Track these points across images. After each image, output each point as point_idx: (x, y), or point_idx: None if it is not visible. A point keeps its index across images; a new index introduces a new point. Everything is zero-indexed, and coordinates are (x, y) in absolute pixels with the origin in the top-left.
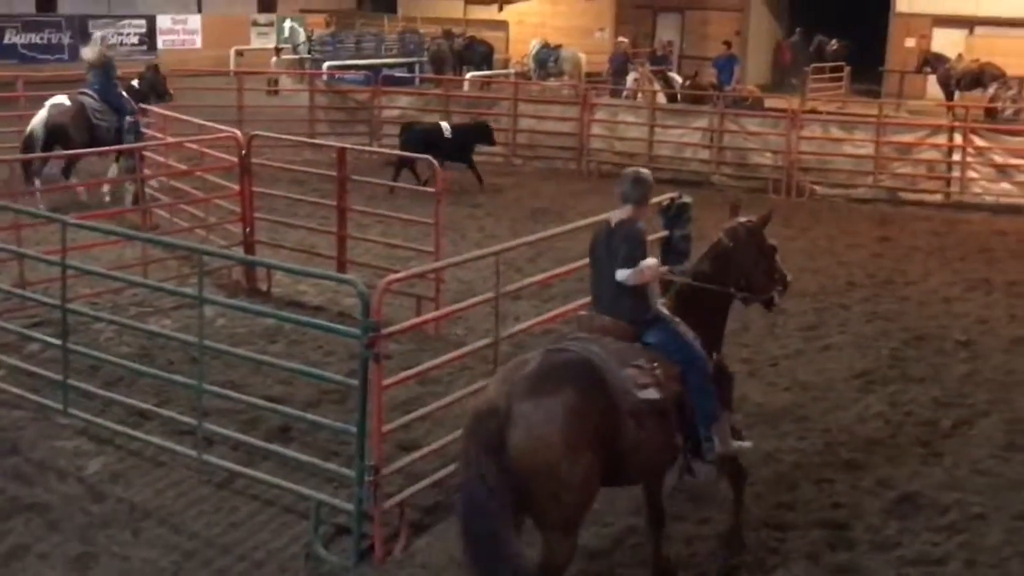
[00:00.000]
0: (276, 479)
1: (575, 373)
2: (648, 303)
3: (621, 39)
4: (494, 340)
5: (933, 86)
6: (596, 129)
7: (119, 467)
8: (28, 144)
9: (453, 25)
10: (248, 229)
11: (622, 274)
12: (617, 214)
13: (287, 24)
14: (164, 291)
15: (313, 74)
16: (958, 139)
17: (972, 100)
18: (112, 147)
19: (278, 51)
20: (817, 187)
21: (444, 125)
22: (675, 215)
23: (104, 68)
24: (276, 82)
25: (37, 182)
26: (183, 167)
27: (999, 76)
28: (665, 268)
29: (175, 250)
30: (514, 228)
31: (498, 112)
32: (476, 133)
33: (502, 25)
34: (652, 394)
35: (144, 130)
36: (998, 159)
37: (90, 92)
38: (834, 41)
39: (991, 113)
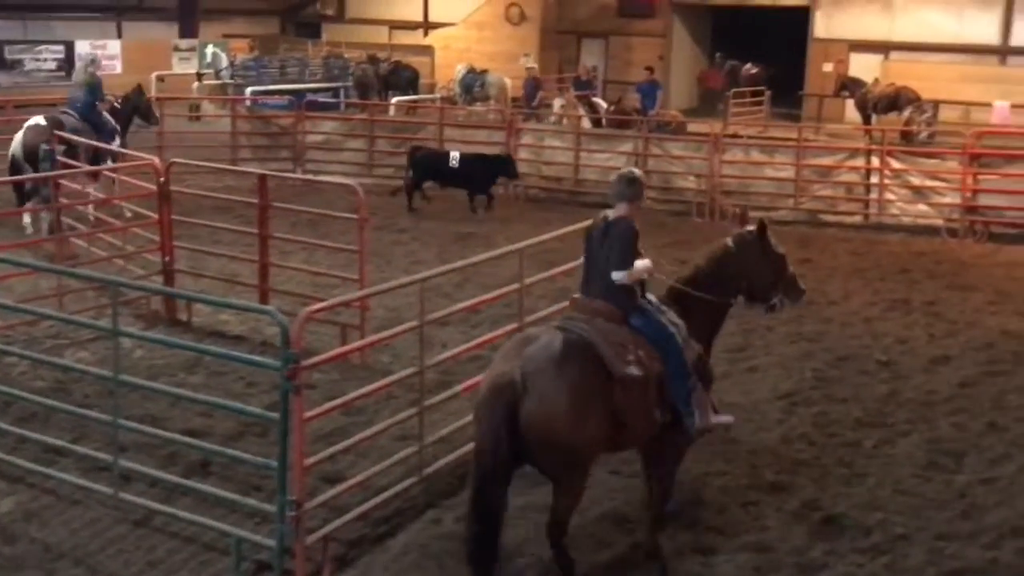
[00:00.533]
0: (196, 516)
1: (577, 350)
2: (635, 293)
3: (530, 65)
4: (419, 369)
5: (851, 110)
6: (522, 154)
7: (32, 506)
8: (14, 169)
9: (378, 50)
10: (167, 258)
11: (618, 275)
12: (613, 212)
13: (209, 49)
14: (77, 324)
15: (236, 100)
16: (875, 162)
17: (888, 123)
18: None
19: (200, 76)
20: (739, 210)
21: (453, 153)
22: None
23: (88, 89)
24: (198, 108)
25: (29, 205)
26: (101, 195)
27: (914, 99)
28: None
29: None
30: (441, 254)
31: (424, 137)
32: (495, 165)
33: (427, 50)
34: (634, 370)
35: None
36: (914, 181)
37: (71, 112)
38: (749, 65)
39: (907, 136)
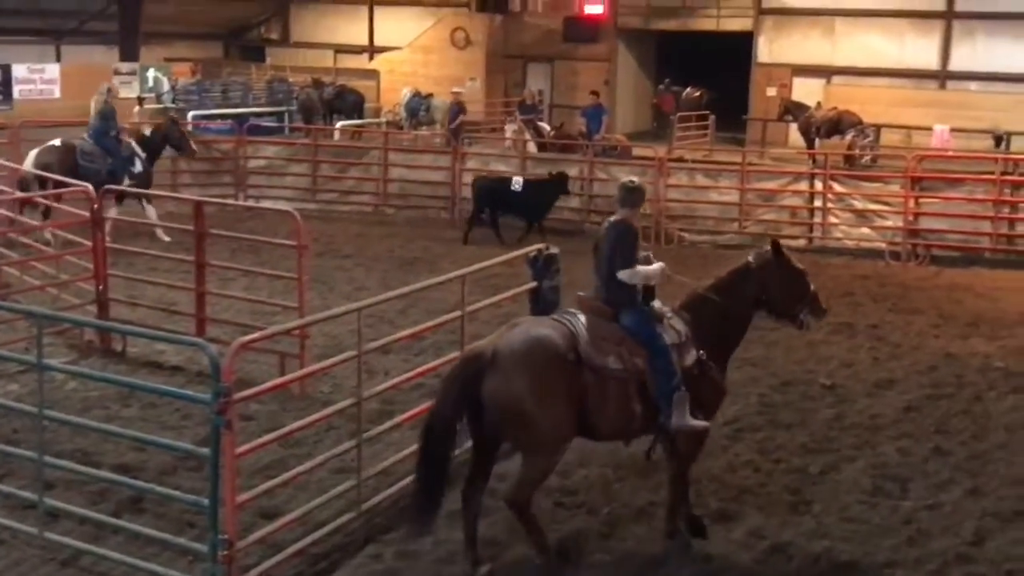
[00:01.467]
0: (125, 556)
1: (553, 336)
2: (632, 292)
3: (456, 89)
4: (358, 399)
5: (795, 134)
6: (468, 178)
7: None
8: (24, 187)
9: (323, 74)
10: (101, 287)
11: (623, 274)
12: (615, 217)
13: (150, 73)
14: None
15: None
16: (819, 186)
17: (831, 147)
18: None
19: (141, 101)
20: (685, 234)
21: (516, 179)
22: (543, 266)
23: (102, 115)
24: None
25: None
26: (34, 223)
27: (856, 123)
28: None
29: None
30: (385, 280)
31: (368, 162)
32: (554, 188)
33: (373, 74)
34: (613, 363)
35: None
36: (857, 204)
37: (87, 136)
38: (689, 88)
39: (850, 160)
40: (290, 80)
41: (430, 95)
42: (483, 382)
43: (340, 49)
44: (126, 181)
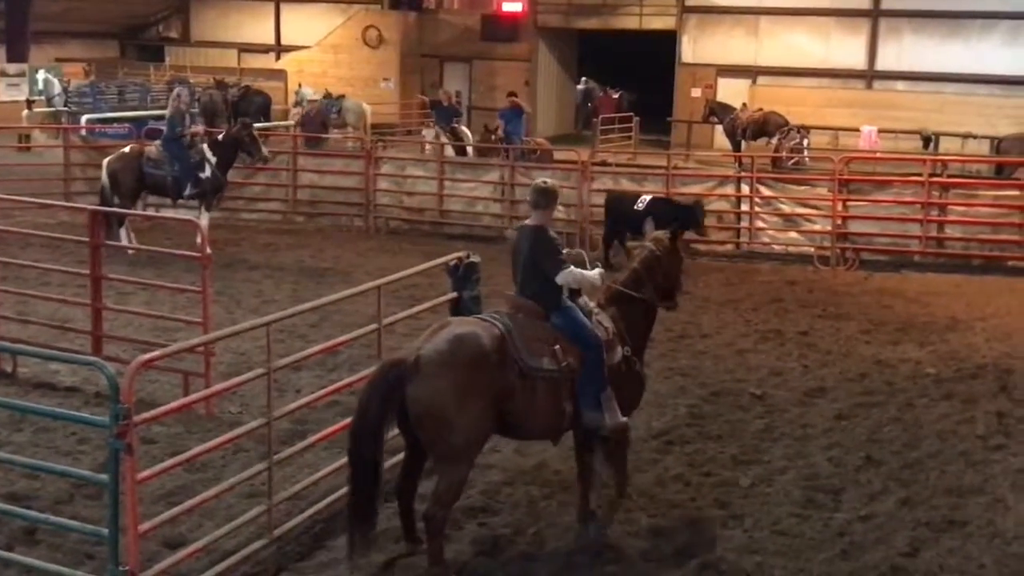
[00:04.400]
0: None
1: (480, 337)
2: (559, 293)
3: (314, 99)
4: (268, 419)
5: (720, 136)
6: (383, 184)
7: None
8: (102, 194)
9: (227, 74)
10: None
11: (561, 277)
12: (530, 220)
13: (40, 75)
14: None
15: (69, 128)
16: (745, 189)
17: (758, 149)
18: None
19: (30, 104)
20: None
21: (643, 197)
22: (463, 275)
23: (170, 120)
24: (28, 137)
25: (121, 231)
26: None
27: (783, 125)
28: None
29: None
30: (295, 292)
31: (276, 167)
32: (681, 213)
33: (280, 74)
34: (546, 364)
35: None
36: (785, 208)
37: (158, 142)
38: (608, 89)
39: (777, 162)
40: (191, 81)
41: (342, 96)
42: (406, 386)
43: (245, 48)
44: (189, 189)
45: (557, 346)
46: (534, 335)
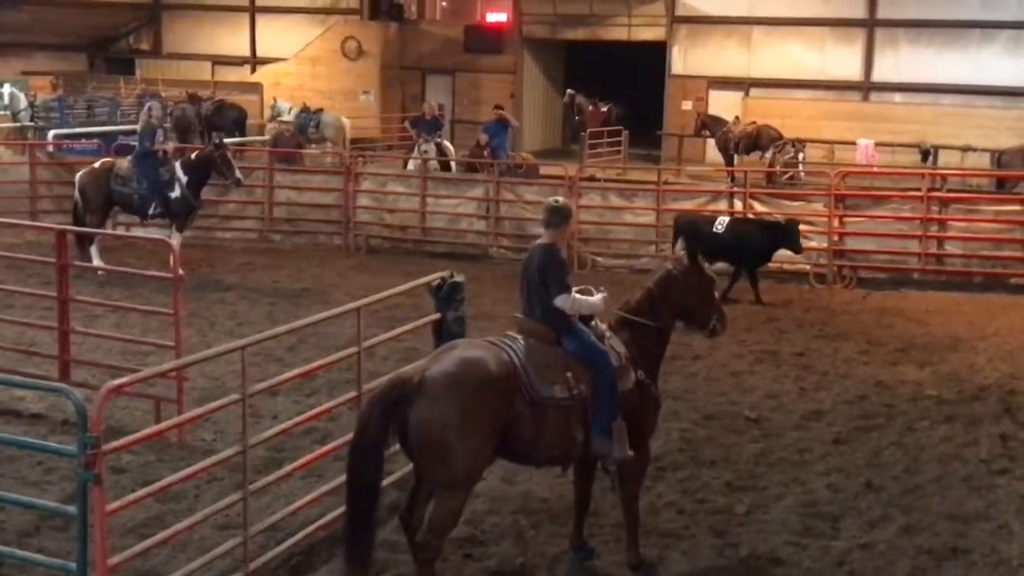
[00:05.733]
0: None
1: (488, 362)
2: (569, 316)
3: (285, 120)
4: (243, 447)
5: (712, 150)
6: (363, 200)
7: None
8: (74, 211)
9: (200, 88)
10: None
11: (560, 301)
12: (540, 240)
13: (6, 89)
14: None
15: (36, 144)
16: (739, 205)
17: (751, 164)
18: None
19: None
20: (599, 258)
21: (720, 218)
22: (447, 296)
23: (141, 135)
24: None
25: (92, 250)
26: None
27: (777, 138)
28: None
29: None
30: (272, 313)
31: (252, 183)
32: (773, 234)
33: (255, 88)
34: (558, 392)
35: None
36: None
37: (130, 158)
38: (597, 102)
39: (771, 177)
40: (163, 95)
41: (320, 110)
42: (410, 408)
43: (219, 61)
44: (153, 208)
45: (569, 373)
46: (545, 361)
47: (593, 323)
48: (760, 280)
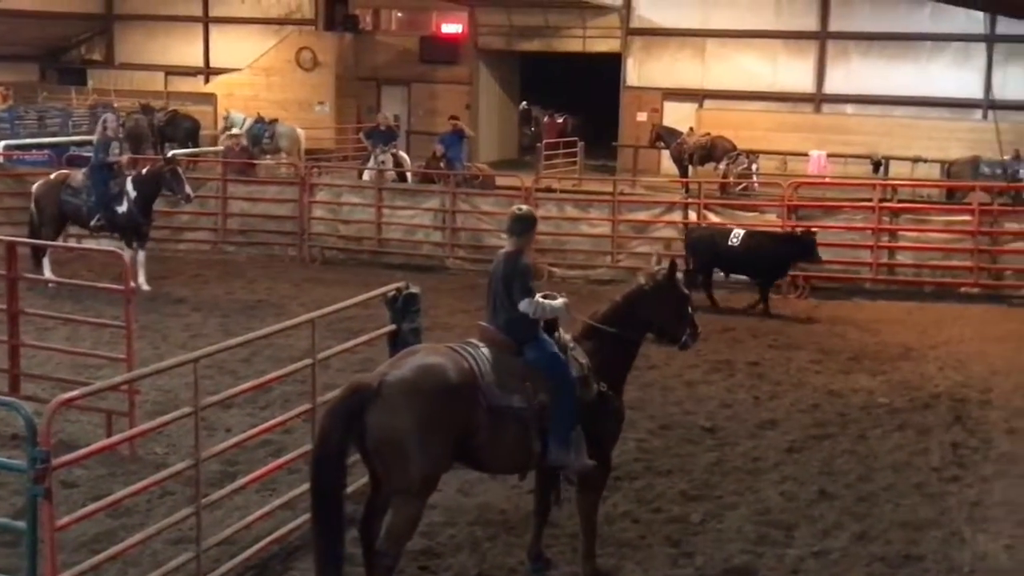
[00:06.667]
0: None
1: (447, 369)
2: (534, 325)
3: (235, 134)
4: (196, 461)
5: (667, 161)
6: (318, 211)
7: None
8: (30, 223)
9: (153, 98)
10: None
11: (524, 305)
12: (505, 248)
13: None
14: None
15: None
16: (693, 216)
17: (705, 175)
18: None
19: None
20: (555, 269)
21: (736, 231)
22: (403, 307)
23: (96, 147)
24: None
25: (44, 262)
26: None
27: (731, 150)
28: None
29: None
30: (225, 325)
31: (205, 194)
32: (789, 247)
33: (209, 98)
34: (516, 401)
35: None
36: None
37: (85, 170)
38: (552, 113)
39: (725, 188)
40: (115, 105)
41: (275, 120)
42: (368, 413)
43: (172, 71)
44: (95, 220)
45: (528, 383)
46: (505, 369)
47: (557, 334)
48: (715, 291)
